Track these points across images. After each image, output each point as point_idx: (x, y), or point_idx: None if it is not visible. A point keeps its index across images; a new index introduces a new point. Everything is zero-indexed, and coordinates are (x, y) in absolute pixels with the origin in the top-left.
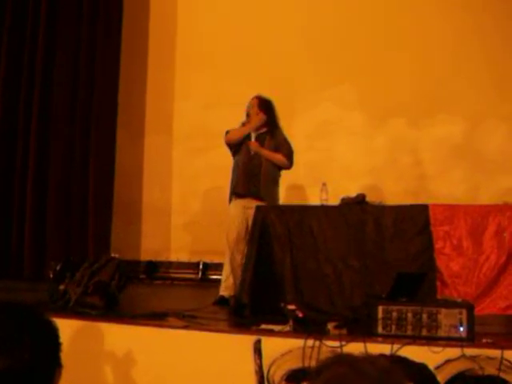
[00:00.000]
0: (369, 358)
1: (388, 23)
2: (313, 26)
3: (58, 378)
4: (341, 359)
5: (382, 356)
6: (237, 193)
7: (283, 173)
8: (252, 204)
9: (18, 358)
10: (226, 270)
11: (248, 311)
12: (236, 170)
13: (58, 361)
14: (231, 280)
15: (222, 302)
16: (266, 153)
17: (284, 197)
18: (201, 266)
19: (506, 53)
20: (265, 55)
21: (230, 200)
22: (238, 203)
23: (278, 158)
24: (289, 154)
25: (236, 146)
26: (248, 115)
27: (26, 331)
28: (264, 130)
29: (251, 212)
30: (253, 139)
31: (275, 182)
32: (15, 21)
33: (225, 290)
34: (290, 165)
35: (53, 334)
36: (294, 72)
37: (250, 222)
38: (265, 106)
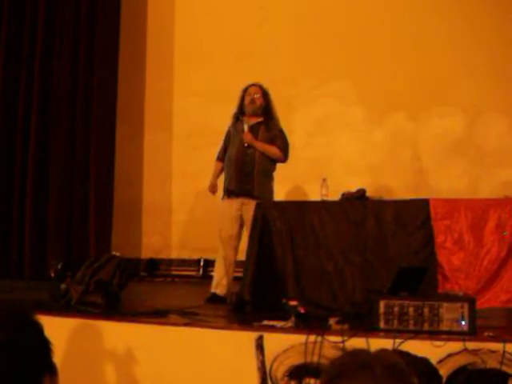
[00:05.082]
0: (376, 354)
1: (386, 18)
2: (311, 21)
3: None
4: (349, 355)
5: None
6: (230, 191)
7: (282, 170)
8: (246, 201)
9: None
10: (218, 267)
11: (250, 307)
12: (229, 166)
13: (47, 366)
14: (224, 278)
15: (215, 299)
16: (260, 145)
17: (284, 193)
18: (202, 263)
19: (505, 46)
20: (263, 51)
21: (223, 197)
22: (232, 201)
23: (273, 150)
24: (284, 147)
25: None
26: (253, 101)
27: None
28: (260, 119)
29: (246, 208)
30: (246, 130)
31: (269, 177)
32: (14, 8)
33: (217, 287)
34: (285, 158)
35: (36, 336)
36: (293, 68)
37: (246, 219)
38: (266, 94)
